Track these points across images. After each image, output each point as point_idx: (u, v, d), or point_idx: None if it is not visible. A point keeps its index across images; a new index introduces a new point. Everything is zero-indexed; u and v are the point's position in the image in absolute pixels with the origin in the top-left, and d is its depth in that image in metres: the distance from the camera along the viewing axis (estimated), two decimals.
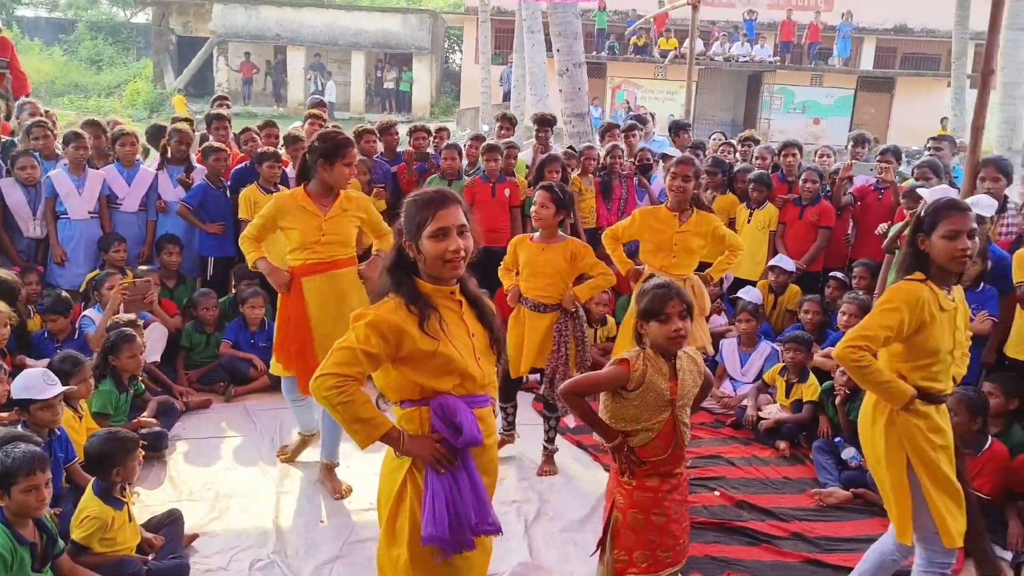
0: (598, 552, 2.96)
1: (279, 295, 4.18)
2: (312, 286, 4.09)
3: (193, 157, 6.66)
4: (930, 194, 5.16)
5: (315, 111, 7.42)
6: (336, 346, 2.30)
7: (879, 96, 26.25)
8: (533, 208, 4.42)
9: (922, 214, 2.98)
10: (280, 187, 6.43)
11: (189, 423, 5.10)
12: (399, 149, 7.38)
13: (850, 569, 3.57)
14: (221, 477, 4.41)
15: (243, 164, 6.66)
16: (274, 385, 5.73)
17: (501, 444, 4.47)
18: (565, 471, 4.69)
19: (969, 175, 5.37)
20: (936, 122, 21.03)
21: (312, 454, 4.60)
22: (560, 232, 4.45)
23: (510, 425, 4.77)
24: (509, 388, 4.64)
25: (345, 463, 4.34)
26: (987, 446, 4.15)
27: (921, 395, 2.91)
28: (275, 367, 4.35)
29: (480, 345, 2.48)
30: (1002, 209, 5.36)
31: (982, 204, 4.77)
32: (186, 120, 7.14)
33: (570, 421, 4.66)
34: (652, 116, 9.96)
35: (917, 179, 6.43)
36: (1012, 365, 4.70)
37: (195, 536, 3.72)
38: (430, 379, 2.34)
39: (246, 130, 6.85)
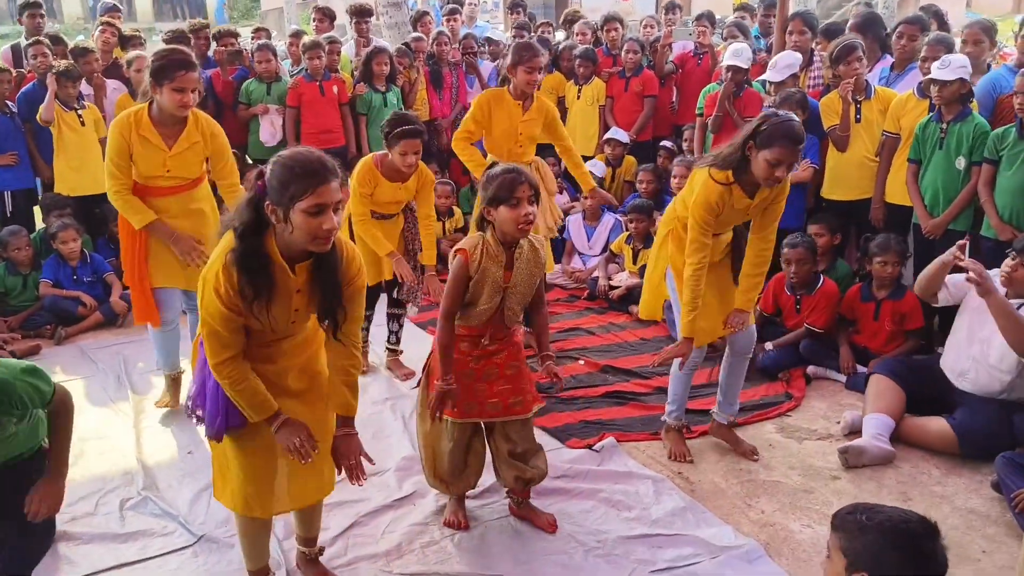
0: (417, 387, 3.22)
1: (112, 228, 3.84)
2: (161, 205, 3.78)
3: None
4: (731, 51, 5.46)
5: (108, 18, 6.63)
6: (204, 331, 2.32)
7: None
8: (405, 156, 4.00)
9: (763, 127, 3.11)
10: (84, 103, 5.84)
11: None
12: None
13: (706, 411, 3.89)
14: None
15: (31, 84, 5.95)
16: (108, 321, 5.38)
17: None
18: None
19: (779, 28, 5.63)
20: None
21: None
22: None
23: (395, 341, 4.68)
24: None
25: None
26: (820, 284, 4.52)
27: None
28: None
29: (301, 302, 2.38)
30: (809, 63, 5.67)
31: (742, 55, 5.38)
32: None
33: (413, 311, 4.64)
34: None
35: (726, 39, 6.73)
36: (829, 205, 5.09)
37: None
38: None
39: (36, 42, 6.05)
